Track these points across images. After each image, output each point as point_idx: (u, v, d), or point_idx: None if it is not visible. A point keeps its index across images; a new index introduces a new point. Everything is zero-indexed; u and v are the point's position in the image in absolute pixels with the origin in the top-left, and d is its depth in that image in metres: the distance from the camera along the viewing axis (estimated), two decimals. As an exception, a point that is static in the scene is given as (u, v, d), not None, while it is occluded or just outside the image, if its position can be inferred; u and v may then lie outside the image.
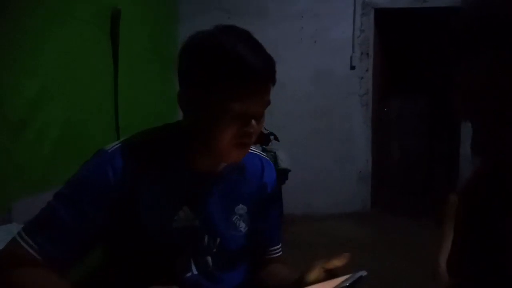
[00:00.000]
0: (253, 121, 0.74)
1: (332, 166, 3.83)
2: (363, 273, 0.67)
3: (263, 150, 3.06)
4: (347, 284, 0.65)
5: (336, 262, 0.72)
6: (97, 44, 2.28)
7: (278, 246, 0.98)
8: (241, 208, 0.88)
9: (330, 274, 0.73)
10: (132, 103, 2.65)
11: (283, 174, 3.18)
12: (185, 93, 0.77)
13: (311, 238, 3.15)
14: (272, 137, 3.31)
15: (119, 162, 0.76)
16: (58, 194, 0.76)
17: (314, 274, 0.73)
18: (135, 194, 0.77)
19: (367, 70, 3.82)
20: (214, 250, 0.84)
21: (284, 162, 3.19)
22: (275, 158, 3.14)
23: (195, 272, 0.83)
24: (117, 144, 0.80)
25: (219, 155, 0.78)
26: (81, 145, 2.02)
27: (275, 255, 0.97)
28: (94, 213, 0.74)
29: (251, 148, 0.87)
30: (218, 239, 0.85)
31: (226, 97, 0.71)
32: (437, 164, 4.21)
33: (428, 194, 4.15)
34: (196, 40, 0.76)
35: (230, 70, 0.70)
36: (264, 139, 3.20)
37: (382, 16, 3.78)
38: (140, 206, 0.77)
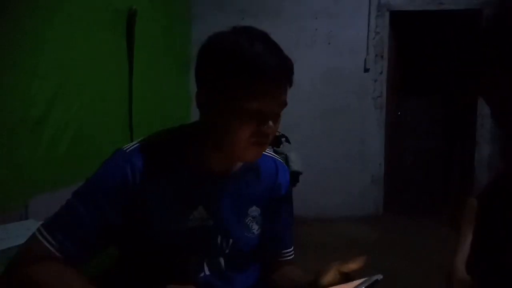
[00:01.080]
0: (270, 122, 0.74)
1: (344, 168, 3.80)
2: (379, 277, 0.67)
3: (274, 152, 3.04)
4: None
5: (352, 266, 0.72)
6: (113, 45, 2.31)
7: (290, 249, 0.98)
8: (254, 210, 0.89)
9: (345, 277, 0.73)
10: (146, 103, 2.68)
11: (294, 177, 3.17)
12: (202, 93, 0.78)
13: (323, 240, 3.14)
14: (283, 139, 3.30)
15: (137, 162, 0.77)
16: (77, 192, 0.77)
17: (329, 276, 0.73)
18: (151, 194, 0.78)
19: (381, 73, 3.79)
20: (227, 251, 0.85)
21: (295, 165, 3.18)
22: (286, 161, 3.13)
23: (207, 272, 0.83)
24: (135, 144, 0.81)
25: (235, 154, 0.78)
26: (95, 144, 2.05)
27: (287, 258, 0.97)
28: (112, 212, 0.75)
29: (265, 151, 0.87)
30: (231, 240, 0.85)
31: (243, 96, 0.72)
32: (451, 167, 4.15)
33: (442, 197, 4.09)
34: (214, 40, 0.76)
35: (248, 70, 0.71)
36: (275, 141, 3.20)
37: (397, 18, 3.75)
38: (156, 205, 0.78)
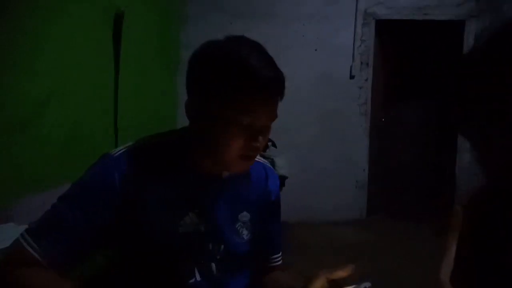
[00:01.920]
0: (260, 137, 0.74)
1: (330, 173, 3.84)
2: (368, 284, 0.67)
3: (261, 156, 3.04)
4: None
5: (341, 273, 0.73)
6: (100, 46, 2.28)
7: (279, 255, 0.98)
8: (244, 216, 0.89)
9: (334, 284, 0.73)
10: (133, 104, 2.65)
11: (280, 181, 3.18)
12: (193, 102, 0.77)
13: (308, 243, 3.16)
14: (270, 143, 3.31)
15: (124, 166, 0.76)
16: (63, 197, 0.76)
17: (317, 283, 0.73)
18: (141, 199, 0.76)
19: (366, 80, 3.85)
20: (218, 256, 0.84)
21: (281, 169, 3.20)
22: (272, 165, 3.14)
23: (198, 278, 0.82)
24: (122, 149, 0.79)
25: (225, 165, 0.78)
26: (82, 146, 2.02)
27: (276, 263, 0.97)
28: (99, 217, 0.74)
29: None
30: (222, 246, 0.84)
31: (234, 109, 0.71)
32: (433, 173, 4.24)
33: (424, 202, 4.17)
34: (207, 49, 0.76)
35: (240, 82, 0.71)
36: (262, 145, 3.20)
37: (383, 27, 3.82)
38: (146, 210, 0.77)
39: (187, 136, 0.82)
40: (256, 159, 0.91)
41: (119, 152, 0.79)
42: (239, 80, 0.71)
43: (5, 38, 1.53)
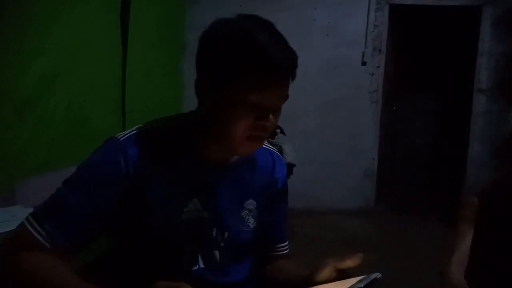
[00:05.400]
0: (270, 115, 0.72)
1: (338, 161, 3.80)
2: (378, 275, 0.65)
3: (268, 143, 3.02)
4: (362, 286, 0.63)
5: (349, 263, 0.71)
6: (106, 28, 2.26)
7: (286, 243, 0.96)
8: (250, 203, 0.87)
9: (342, 274, 0.71)
10: (139, 87, 2.63)
11: (288, 169, 3.15)
12: (203, 80, 0.75)
13: (315, 232, 3.15)
14: (278, 130, 3.27)
15: (131, 151, 0.75)
16: (68, 181, 0.75)
17: (325, 273, 0.72)
18: (146, 184, 0.75)
19: (378, 67, 3.77)
20: (222, 244, 0.83)
21: (289, 157, 3.17)
22: (280, 152, 3.10)
23: (201, 265, 0.81)
24: (129, 133, 0.78)
25: (232, 146, 0.75)
26: (85, 128, 2.01)
27: (282, 252, 0.95)
28: (104, 202, 0.73)
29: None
30: (226, 233, 0.83)
31: (245, 87, 0.69)
32: (443, 164, 4.18)
33: (433, 193, 4.13)
34: (218, 27, 0.73)
35: (252, 60, 0.68)
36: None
37: (397, 12, 3.72)
38: (150, 196, 0.76)
39: (195, 119, 0.80)
40: (263, 145, 0.88)
41: (125, 136, 0.77)
42: (250, 57, 0.68)
43: (13, 19, 1.51)
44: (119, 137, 0.77)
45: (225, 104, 0.71)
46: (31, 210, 0.75)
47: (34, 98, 1.67)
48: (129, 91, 2.46)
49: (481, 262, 0.63)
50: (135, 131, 0.78)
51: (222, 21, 0.74)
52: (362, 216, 3.64)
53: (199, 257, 0.81)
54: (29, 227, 0.71)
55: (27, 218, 0.72)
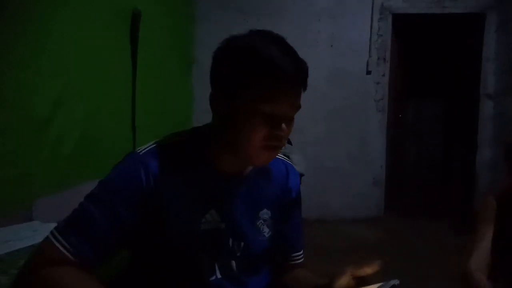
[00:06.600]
0: (283, 125, 0.74)
1: (346, 170, 3.80)
2: (396, 281, 0.66)
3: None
4: None
5: (367, 270, 0.72)
6: (117, 45, 2.31)
7: (300, 252, 0.97)
8: (265, 213, 0.88)
9: (360, 282, 0.72)
10: (149, 103, 2.67)
11: (297, 178, 3.16)
12: (217, 93, 0.78)
13: (325, 242, 3.13)
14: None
15: (151, 164, 0.77)
16: (91, 195, 0.77)
17: (343, 280, 0.72)
18: (165, 196, 0.77)
19: (383, 75, 3.79)
20: (238, 254, 0.84)
21: (298, 166, 3.14)
22: (289, 162, 3.12)
23: (219, 275, 0.82)
24: (148, 147, 0.80)
25: (248, 157, 0.78)
26: (100, 145, 2.04)
27: (298, 261, 0.96)
28: (126, 215, 0.75)
29: None
30: (243, 243, 0.84)
31: (257, 97, 0.72)
32: (452, 170, 4.16)
33: (443, 198, 4.09)
34: (231, 42, 0.77)
35: (263, 71, 0.71)
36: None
37: (400, 21, 3.75)
38: (170, 207, 0.78)
39: (209, 132, 0.82)
40: (277, 156, 0.90)
41: (145, 150, 0.80)
42: (262, 68, 0.72)
43: (24, 38, 1.56)
44: (139, 151, 0.80)
45: (239, 115, 0.74)
46: (51, 225, 0.76)
47: (50, 117, 1.71)
48: (139, 106, 2.50)
49: (501, 261, 0.64)
50: (154, 145, 0.81)
51: (235, 37, 0.77)
52: (373, 224, 3.62)
53: (216, 267, 0.82)
54: (54, 241, 0.72)
55: (51, 233, 0.73)
